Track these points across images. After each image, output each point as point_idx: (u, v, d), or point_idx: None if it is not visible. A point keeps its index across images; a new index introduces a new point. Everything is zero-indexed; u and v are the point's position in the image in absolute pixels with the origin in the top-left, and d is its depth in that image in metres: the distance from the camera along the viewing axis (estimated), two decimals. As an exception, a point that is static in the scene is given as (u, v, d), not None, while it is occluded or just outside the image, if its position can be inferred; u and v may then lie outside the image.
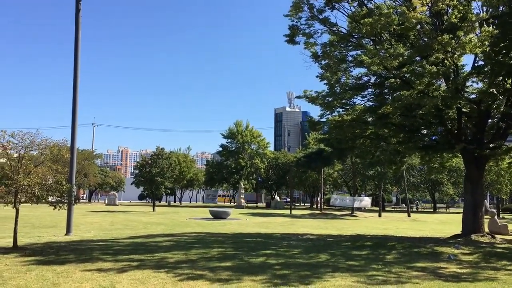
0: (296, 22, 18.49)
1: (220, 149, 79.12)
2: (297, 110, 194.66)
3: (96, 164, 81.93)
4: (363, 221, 36.40)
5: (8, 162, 13.16)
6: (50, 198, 14.47)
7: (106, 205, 60.88)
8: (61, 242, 15.88)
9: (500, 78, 14.29)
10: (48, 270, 10.03)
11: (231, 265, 11.04)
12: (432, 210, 71.08)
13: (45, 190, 13.49)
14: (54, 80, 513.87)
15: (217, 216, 33.76)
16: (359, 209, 54.55)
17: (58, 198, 14.72)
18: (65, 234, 18.48)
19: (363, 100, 20.60)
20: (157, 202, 52.96)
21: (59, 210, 14.36)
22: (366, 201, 55.99)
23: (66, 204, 15.51)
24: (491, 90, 15.05)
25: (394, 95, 18.13)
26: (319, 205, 60.90)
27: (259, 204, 78.18)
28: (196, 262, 11.45)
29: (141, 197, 78.25)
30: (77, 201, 60.66)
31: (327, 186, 74.56)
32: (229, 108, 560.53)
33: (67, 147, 17.94)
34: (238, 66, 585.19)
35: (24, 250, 13.18)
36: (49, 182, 13.94)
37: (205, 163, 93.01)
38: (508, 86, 15.04)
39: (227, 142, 78.56)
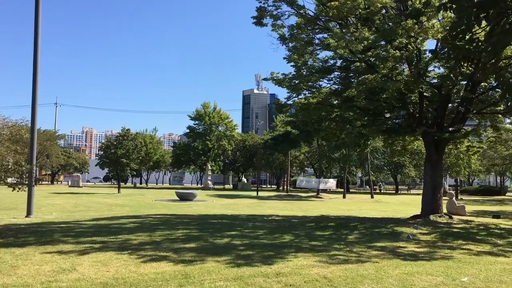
0: (264, 3, 18.34)
1: (188, 130, 78.51)
2: (265, 92, 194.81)
3: (59, 145, 80.00)
4: (328, 203, 37.06)
5: (-37, 142, 12.69)
6: (9, 180, 14.07)
7: (69, 186, 59.70)
8: (21, 224, 15.51)
9: (457, 62, 14.66)
10: (7, 252, 9.80)
11: (195, 246, 11.06)
12: (394, 191, 73.06)
13: (3, 171, 13.11)
14: (14, 56, 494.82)
15: (183, 198, 33.69)
16: (325, 191, 55.50)
17: (18, 180, 14.35)
18: (26, 216, 18.04)
19: (329, 83, 20.79)
20: (122, 184, 52.25)
21: (18, 191, 13.99)
22: (331, 183, 56.93)
23: (26, 186, 15.14)
24: (451, 75, 15.44)
25: (359, 78, 18.32)
26: (285, 187, 61.56)
27: (226, 186, 78.38)
28: (160, 243, 11.41)
29: (106, 179, 77.04)
30: (38, 182, 59.22)
31: (294, 168, 75.32)
32: (197, 90, 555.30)
33: (27, 127, 17.43)
34: (207, 47, 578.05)
35: (-19, 233, 12.82)
36: (8, 163, 13.55)
37: (172, 145, 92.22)
38: (465, 70, 15.45)
39: (194, 124, 78.03)
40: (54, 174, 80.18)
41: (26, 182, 15.26)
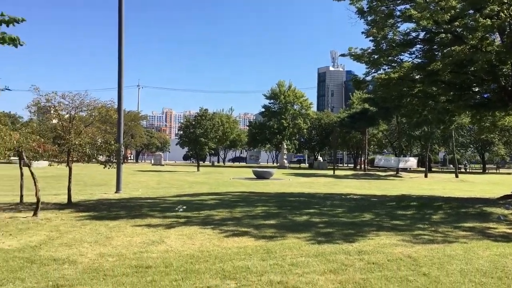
0: (341, -24, 17.79)
1: (263, 110, 79.03)
2: (340, 69, 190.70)
3: (142, 125, 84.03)
4: (408, 182, 35.87)
5: (60, 123, 13.68)
6: (100, 158, 15.04)
7: (152, 165, 62.73)
8: (112, 199, 16.57)
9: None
10: (101, 225, 10.53)
11: (275, 223, 11.21)
12: (481, 171, 69.00)
13: (95, 149, 14.00)
14: (100, 42, 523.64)
15: (260, 176, 34.15)
16: (404, 169, 53.71)
17: (107, 158, 15.29)
18: (115, 192, 19.26)
19: (411, 57, 19.81)
20: (201, 162, 53.99)
21: (109, 168, 14.92)
22: (412, 161, 54.97)
23: (115, 163, 16.11)
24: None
25: (445, 51, 17.30)
26: (362, 165, 60.36)
27: (302, 165, 78.33)
28: (241, 219, 11.68)
29: (185, 157, 80.00)
30: (125, 160, 62.73)
31: (371, 146, 73.48)
32: (271, 69, 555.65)
33: (114, 109, 18.41)
34: (281, 25, 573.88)
35: (78, 206, 13.87)
36: (99, 142, 14.44)
37: (247, 124, 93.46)
38: None
39: (269, 103, 78.34)
40: (138, 153, 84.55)
41: (115, 160, 16.24)
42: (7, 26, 4.50)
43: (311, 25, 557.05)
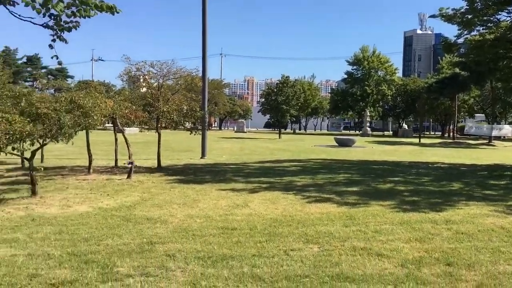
0: None
1: (345, 76, 77.15)
2: (429, 32, 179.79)
3: (225, 93, 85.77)
4: (502, 151, 33.57)
5: (149, 91, 14.36)
6: (186, 124, 15.66)
7: (235, 132, 64.14)
8: (198, 164, 17.27)
9: None
10: (189, 188, 11.06)
11: (357, 190, 11.09)
12: None
13: (182, 116, 14.58)
14: (182, 11, 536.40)
15: (342, 143, 33.72)
16: (498, 138, 50.25)
17: (193, 125, 15.89)
18: (201, 158, 20.03)
19: (509, 16, 18.23)
20: (282, 130, 54.28)
21: (194, 135, 15.52)
22: (507, 129, 51.28)
23: (200, 130, 16.70)
24: None
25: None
26: (451, 133, 57.30)
27: (386, 133, 76.02)
28: (323, 186, 11.70)
29: (267, 125, 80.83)
30: (209, 127, 64.80)
31: (461, 113, 69.31)
32: (354, 33, 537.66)
33: (199, 77, 18.95)
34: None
35: (167, 170, 14.64)
36: (185, 109, 15.00)
37: (329, 91, 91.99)
38: None
39: (352, 69, 76.21)
40: (222, 121, 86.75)
41: (200, 127, 16.83)
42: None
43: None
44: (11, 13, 4.62)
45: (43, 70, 77.42)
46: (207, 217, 7.86)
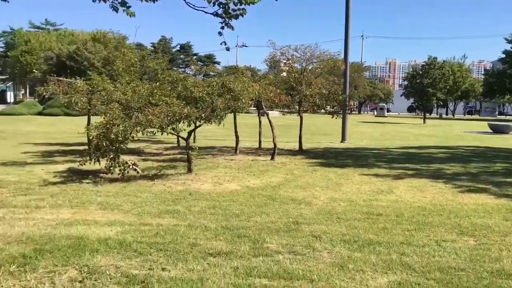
0: None
1: (503, 56, 69.40)
2: None
3: (365, 76, 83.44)
4: None
5: (293, 74, 14.60)
6: (327, 108, 15.62)
7: (375, 116, 62.27)
8: (338, 148, 17.17)
9: None
10: (330, 171, 11.07)
11: (518, 181, 10.01)
12: None
13: (324, 100, 14.57)
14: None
15: (497, 130, 30.63)
16: None
17: (334, 108, 15.78)
18: (341, 142, 19.87)
19: None
20: (427, 115, 51.14)
21: (336, 118, 15.42)
22: None
23: (341, 114, 16.53)
24: None
25: None
26: None
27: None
28: (477, 175, 10.78)
29: (410, 109, 76.84)
30: (350, 111, 63.84)
31: None
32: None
33: (342, 60, 18.69)
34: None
35: (308, 153, 14.83)
36: (327, 92, 14.94)
37: (483, 73, 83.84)
38: None
39: (511, 48, 68.24)
40: (361, 104, 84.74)
41: (341, 111, 16.64)
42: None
43: None
44: (187, 4, 5.06)
45: (194, 57, 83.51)
46: (351, 201, 7.80)
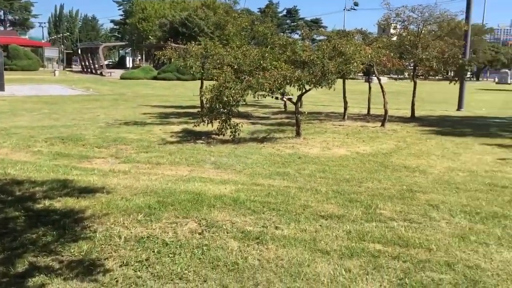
0: None
1: None
2: None
3: (486, 39, 76.43)
4: None
5: (408, 37, 13.76)
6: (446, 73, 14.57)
7: (496, 83, 57.12)
8: (454, 116, 16.07)
9: None
10: (447, 140, 10.42)
11: None
12: None
13: (442, 64, 13.60)
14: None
15: None
16: None
17: (450, 75, 14.68)
18: (457, 110, 18.54)
19: None
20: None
21: (454, 84, 14.36)
22: None
23: (459, 80, 15.35)
24: None
25: None
26: None
27: None
28: None
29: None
30: (472, 78, 59.27)
31: None
32: None
33: (462, 21, 17.21)
34: None
35: (421, 121, 14.08)
36: (446, 56, 13.91)
37: None
38: None
39: None
40: (480, 71, 78.12)
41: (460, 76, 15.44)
42: None
43: None
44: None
45: (300, 22, 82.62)
46: (471, 171, 7.29)
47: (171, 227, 4.59)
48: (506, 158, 8.37)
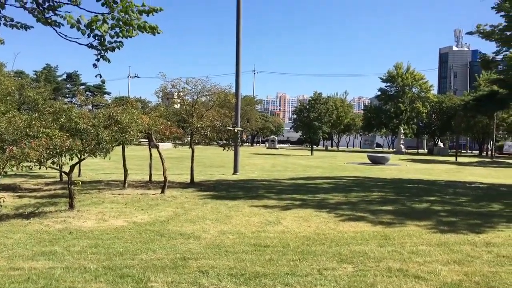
0: None
1: (379, 93, 76.31)
2: (465, 49, 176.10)
3: (257, 109, 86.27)
4: (544, 171, 32.28)
5: (184, 107, 14.58)
6: (219, 141, 15.77)
7: (267, 148, 64.23)
8: (230, 180, 17.33)
9: None
10: (221, 204, 11.09)
11: (392, 209, 10.87)
12: None
13: (215, 132, 14.71)
14: (218, 30, 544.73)
15: (375, 161, 33.21)
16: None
17: (226, 141, 15.98)
18: (233, 174, 20.10)
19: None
20: (314, 147, 53.99)
21: (227, 151, 15.59)
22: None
23: (233, 146, 16.78)
24: None
25: None
26: (489, 152, 55.64)
27: (420, 151, 74.54)
28: (356, 204, 11.52)
29: (299, 142, 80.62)
30: (242, 143, 65.09)
31: (500, 132, 67.30)
32: (387, 51, 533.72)
33: (233, 93, 19.12)
34: (397, 6, 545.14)
35: (199, 186, 14.75)
36: (218, 125, 15.12)
37: (362, 108, 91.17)
38: None
39: (386, 86, 75.29)
40: (253, 137, 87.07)
41: (233, 143, 16.91)
42: (147, 15, 4.88)
43: (431, 3, 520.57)
44: (59, 34, 4.81)
45: (82, 87, 79.95)
46: (240, 233, 7.85)
47: None
48: (269, 219, 9.27)
